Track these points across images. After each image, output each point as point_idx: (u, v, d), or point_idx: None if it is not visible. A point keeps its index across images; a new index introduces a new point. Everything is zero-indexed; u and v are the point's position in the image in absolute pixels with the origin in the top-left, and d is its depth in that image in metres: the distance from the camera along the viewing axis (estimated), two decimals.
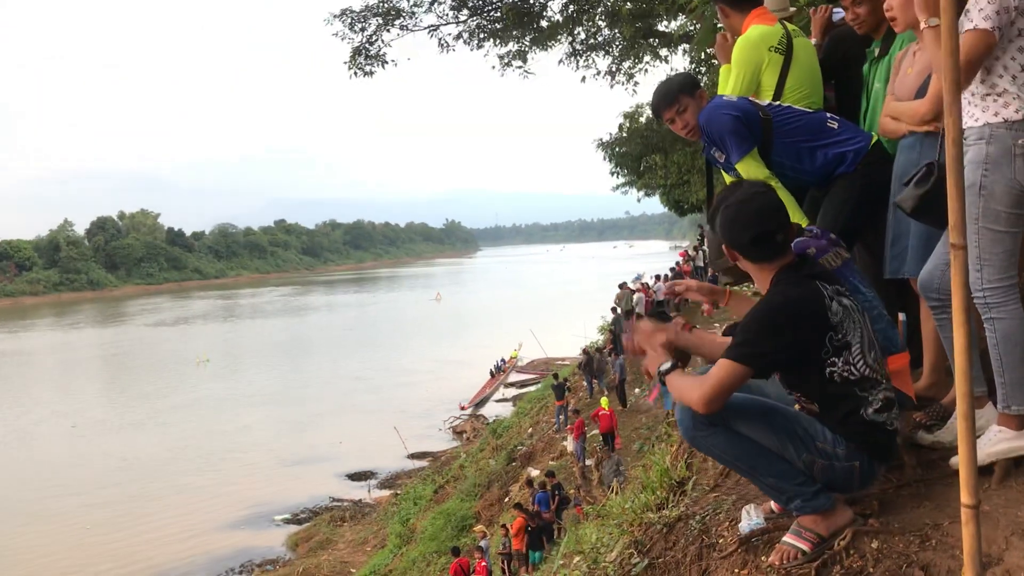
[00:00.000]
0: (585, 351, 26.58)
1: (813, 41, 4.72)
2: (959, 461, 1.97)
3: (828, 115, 3.64)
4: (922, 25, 2.64)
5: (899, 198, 2.89)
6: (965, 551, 1.97)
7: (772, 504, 2.93)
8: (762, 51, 3.92)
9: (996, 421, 2.74)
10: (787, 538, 2.66)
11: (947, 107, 1.91)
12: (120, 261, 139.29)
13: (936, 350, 3.38)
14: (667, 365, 2.66)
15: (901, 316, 3.28)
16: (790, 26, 4.10)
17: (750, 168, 3.55)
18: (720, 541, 3.04)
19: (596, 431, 20.10)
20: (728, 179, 3.91)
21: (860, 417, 2.54)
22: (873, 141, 3.54)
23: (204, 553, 23.84)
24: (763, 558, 2.73)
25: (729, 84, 4.03)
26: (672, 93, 3.79)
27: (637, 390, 22.35)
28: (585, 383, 25.88)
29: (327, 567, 21.61)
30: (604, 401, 20.56)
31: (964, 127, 2.67)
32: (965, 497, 1.93)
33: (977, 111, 2.67)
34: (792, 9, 4.75)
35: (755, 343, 2.49)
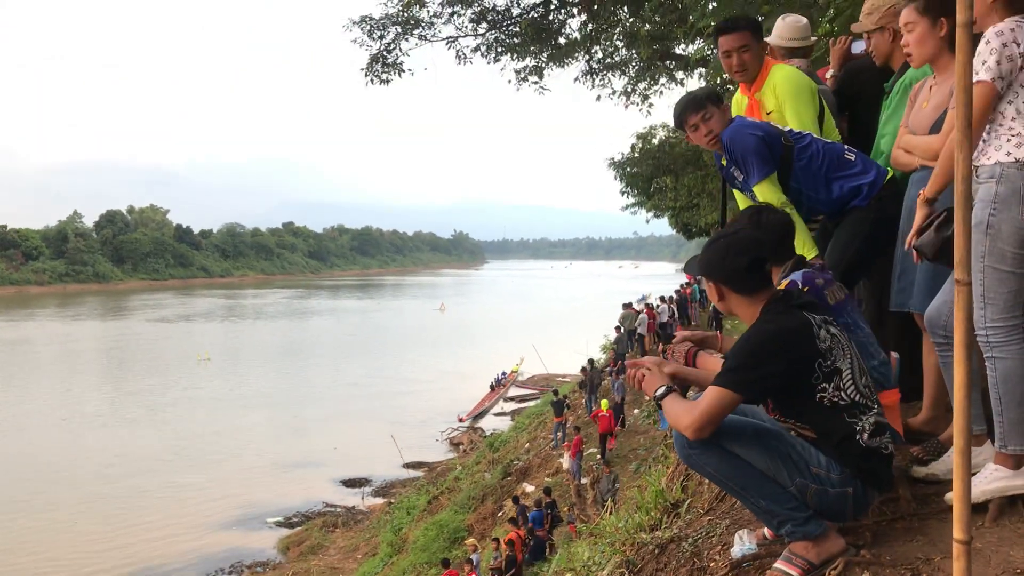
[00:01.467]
0: (583, 369, 26.54)
1: (830, 72, 4.76)
2: (953, 497, 1.97)
3: (846, 147, 3.66)
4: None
5: (919, 242, 2.90)
6: None
7: (765, 530, 2.93)
8: (814, 86, 3.94)
9: (993, 459, 2.74)
10: (778, 564, 2.66)
11: (957, 144, 1.93)
12: (127, 255, 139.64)
13: (936, 385, 3.39)
14: (662, 390, 2.68)
15: (894, 354, 3.29)
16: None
17: (767, 192, 3.56)
18: (711, 565, 3.04)
19: (593, 449, 20.08)
20: (743, 201, 3.93)
21: (856, 443, 2.56)
22: (888, 176, 3.56)
23: (194, 552, 23.76)
24: None
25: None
26: (700, 100, 3.80)
27: (636, 411, 22.32)
28: (584, 401, 25.83)
29: (317, 572, 21.54)
30: (604, 403, 20.71)
31: (976, 164, 2.69)
32: (958, 533, 1.93)
33: (990, 149, 2.69)
34: (813, 39, 4.79)
35: (745, 370, 2.52)
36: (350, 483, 30.25)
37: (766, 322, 2.59)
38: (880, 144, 3.84)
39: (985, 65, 2.62)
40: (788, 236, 2.74)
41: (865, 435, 2.56)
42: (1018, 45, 2.60)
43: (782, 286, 2.76)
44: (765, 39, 4.99)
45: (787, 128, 3.67)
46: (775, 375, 2.54)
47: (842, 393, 2.55)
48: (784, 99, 3.96)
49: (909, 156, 3.34)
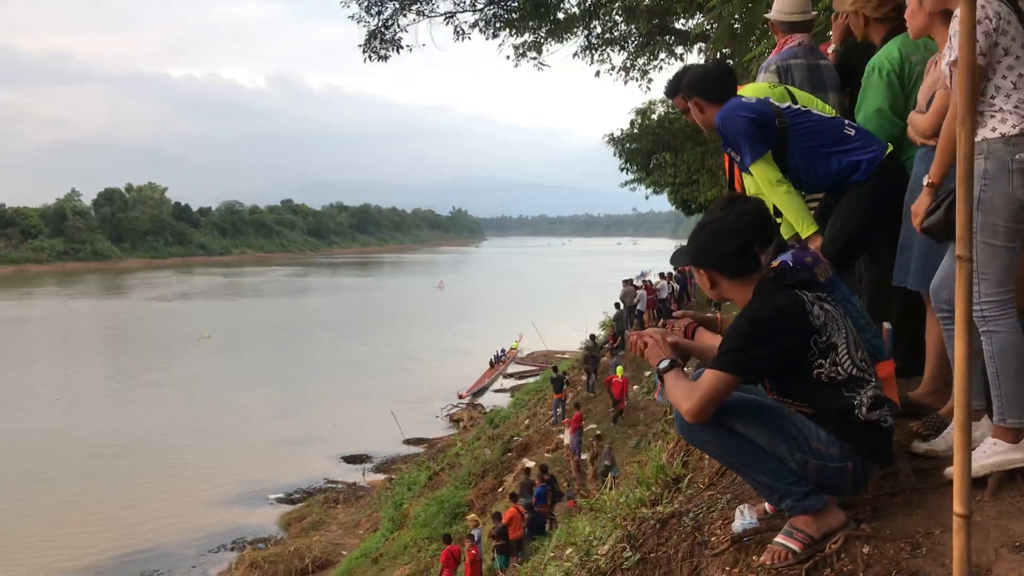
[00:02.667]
0: (586, 347, 26.59)
1: (832, 47, 4.75)
2: (953, 471, 1.99)
3: (846, 122, 3.65)
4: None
5: (927, 224, 2.90)
6: (955, 560, 1.99)
7: (766, 505, 2.95)
8: (766, 91, 3.91)
9: (991, 434, 2.76)
10: (779, 538, 2.68)
11: (960, 120, 1.93)
12: (126, 233, 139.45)
13: (937, 360, 3.40)
14: (665, 363, 2.70)
15: (886, 325, 3.30)
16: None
17: (763, 171, 3.56)
18: (712, 539, 3.06)
19: (593, 425, 20.16)
20: (747, 181, 3.93)
21: (855, 417, 2.58)
22: (888, 151, 3.55)
23: (195, 529, 23.90)
24: (754, 557, 2.75)
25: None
26: (671, 87, 3.81)
27: (635, 387, 22.38)
28: (584, 377, 25.87)
29: (319, 548, 21.66)
30: (619, 370, 20.91)
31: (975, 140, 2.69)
32: (958, 506, 1.95)
33: (982, 128, 2.68)
34: (813, 13, 4.77)
35: (741, 351, 2.55)
36: (351, 459, 30.41)
37: (758, 303, 2.61)
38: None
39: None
40: (766, 218, 2.74)
41: (864, 409, 2.58)
42: (991, 21, 2.59)
43: (773, 266, 2.77)
44: (765, 15, 4.97)
45: (784, 105, 3.65)
46: (771, 354, 2.57)
47: (839, 368, 2.57)
48: None
49: (912, 133, 3.35)
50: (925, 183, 2.90)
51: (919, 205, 2.93)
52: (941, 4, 2.85)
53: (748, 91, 3.96)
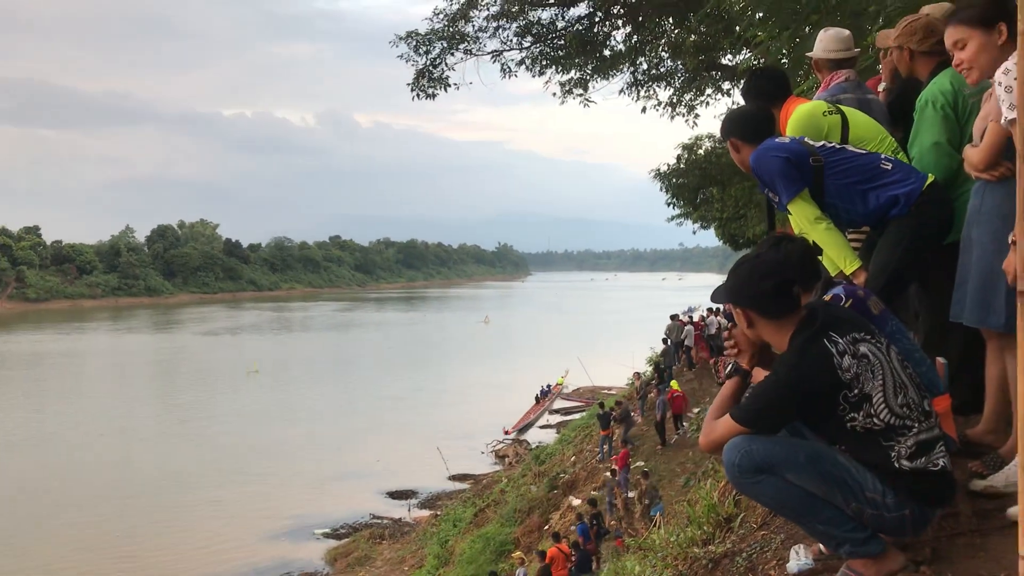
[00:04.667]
0: (618, 402, 25.74)
1: (882, 85, 4.73)
2: (1019, 512, 1.94)
3: (883, 156, 3.63)
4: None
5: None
6: None
7: (821, 545, 2.90)
8: (818, 117, 3.93)
9: None
10: None
11: (1020, 155, 1.90)
12: (177, 269, 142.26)
13: (997, 397, 3.33)
14: (729, 369, 2.80)
15: (941, 360, 3.24)
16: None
17: (801, 209, 3.55)
18: None
19: (640, 462, 19.96)
20: (792, 221, 3.91)
21: (892, 466, 2.51)
22: (928, 182, 3.51)
23: (243, 562, 24.02)
24: None
25: None
26: (723, 130, 3.86)
27: (684, 424, 22.16)
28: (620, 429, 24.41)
29: None
30: (675, 384, 20.72)
31: None
32: (1023, 548, 1.90)
33: None
34: (856, 50, 4.76)
35: (759, 410, 2.58)
36: (396, 495, 30.40)
37: (782, 364, 2.58)
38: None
39: (1011, 105, 2.61)
40: (810, 260, 2.71)
41: (903, 460, 2.51)
42: None
43: (826, 299, 2.74)
44: (807, 54, 4.97)
45: (819, 143, 3.64)
46: (792, 414, 2.60)
47: (874, 419, 2.50)
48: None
49: (968, 166, 3.31)
50: (1011, 241, 2.83)
51: (1010, 264, 2.85)
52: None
53: (804, 110, 3.98)
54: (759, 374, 2.90)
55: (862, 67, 5.44)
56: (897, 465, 2.50)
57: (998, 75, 2.70)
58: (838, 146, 3.66)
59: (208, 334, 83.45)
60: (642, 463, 19.93)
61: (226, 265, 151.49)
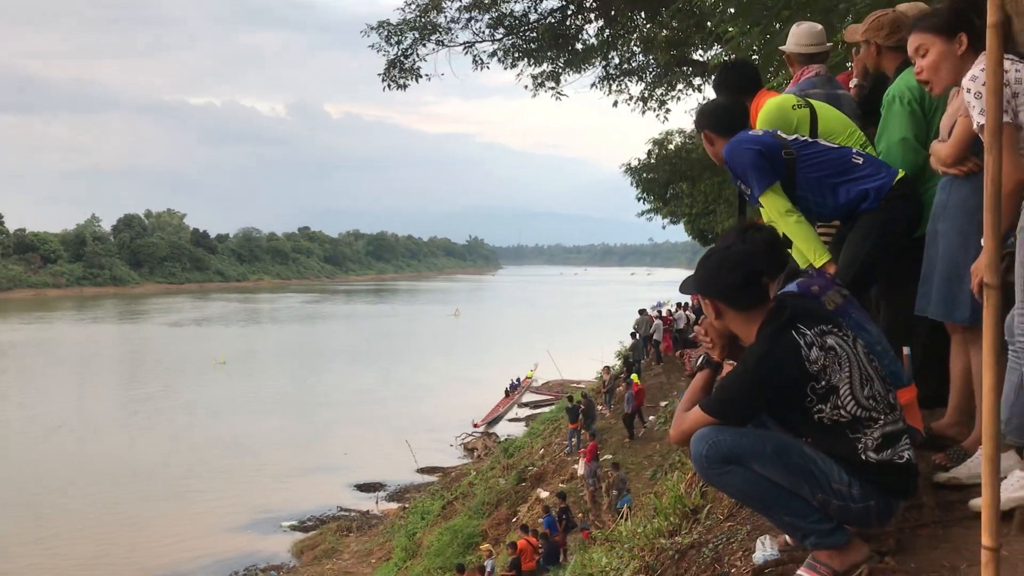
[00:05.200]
0: (584, 395, 25.88)
1: (853, 82, 4.76)
2: (982, 503, 1.95)
3: (854, 151, 3.65)
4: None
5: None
6: None
7: (787, 536, 2.91)
8: (787, 111, 3.95)
9: (1021, 467, 2.71)
10: (801, 571, 2.64)
11: (987, 147, 1.91)
12: (144, 259, 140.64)
13: (961, 391, 3.36)
14: (700, 361, 2.82)
15: (905, 350, 3.27)
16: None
17: (772, 202, 3.57)
18: (732, 571, 3.03)
19: (608, 456, 20.04)
20: (757, 214, 3.93)
21: (858, 458, 2.53)
22: (898, 177, 3.54)
23: (207, 555, 23.82)
24: None
25: None
26: (697, 122, 3.88)
27: (652, 417, 22.27)
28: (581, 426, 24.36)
29: None
30: (635, 377, 21.76)
31: None
32: (986, 539, 1.91)
33: None
34: (828, 45, 4.79)
35: (730, 401, 2.59)
36: (364, 488, 30.30)
37: (753, 354, 2.58)
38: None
39: (981, 111, 2.66)
40: (776, 248, 2.72)
41: (869, 451, 2.53)
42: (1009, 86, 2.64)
43: (776, 296, 2.75)
44: (780, 47, 5.00)
45: (792, 137, 3.66)
46: (760, 406, 2.62)
47: (841, 411, 2.52)
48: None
49: (934, 162, 3.34)
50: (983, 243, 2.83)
51: (979, 267, 2.87)
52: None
53: (774, 103, 4.00)
54: (728, 367, 2.91)
55: (832, 63, 5.47)
56: (863, 457, 2.52)
57: (966, 82, 2.73)
58: (810, 140, 3.68)
59: (175, 325, 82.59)
60: (610, 456, 20.00)
61: (193, 255, 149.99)
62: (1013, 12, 2.70)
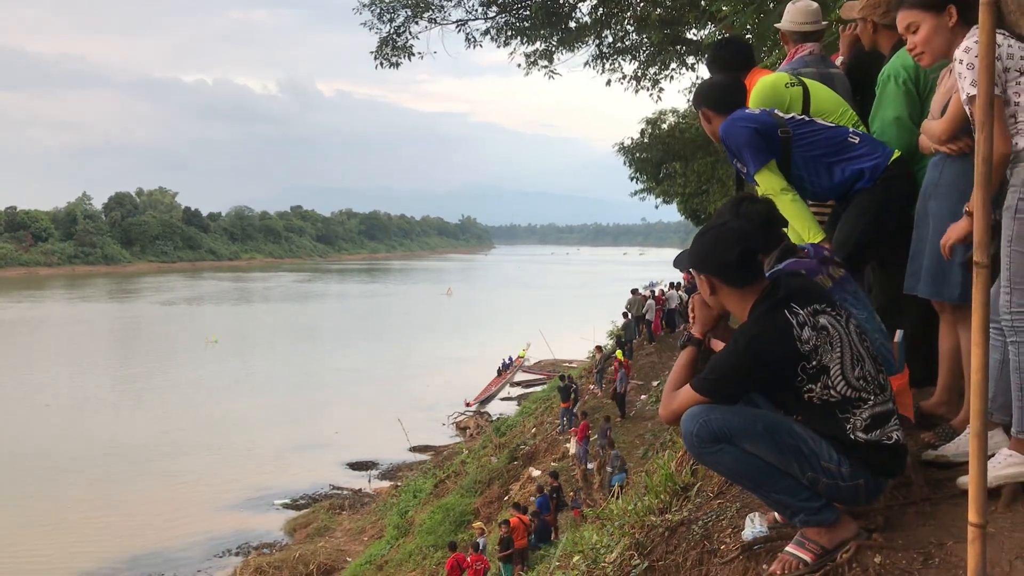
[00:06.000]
0: (563, 376, 26.09)
1: (840, 59, 4.75)
2: (969, 480, 1.97)
3: (851, 130, 3.65)
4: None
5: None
6: (969, 571, 1.97)
7: (776, 514, 2.93)
8: (780, 89, 3.95)
9: (1009, 445, 2.73)
10: (790, 548, 2.66)
11: (979, 125, 1.91)
12: (135, 237, 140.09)
13: (950, 370, 3.38)
14: (683, 339, 2.81)
15: (897, 336, 3.28)
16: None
17: (767, 180, 3.57)
18: (722, 547, 3.05)
19: (596, 436, 20.11)
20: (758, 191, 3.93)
21: (848, 438, 2.54)
22: (894, 157, 3.54)
23: (200, 533, 23.87)
24: (764, 566, 2.73)
25: None
26: (695, 99, 3.88)
27: (643, 396, 22.34)
28: (594, 384, 25.41)
29: (323, 554, 21.61)
30: (619, 353, 22.18)
31: (1016, 150, 2.68)
32: (973, 516, 1.93)
33: (1019, 138, 2.67)
34: (824, 23, 4.77)
35: (719, 380, 2.59)
36: (357, 466, 30.37)
37: (742, 334, 2.59)
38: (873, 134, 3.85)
39: (972, 81, 2.67)
40: (772, 225, 2.72)
41: (858, 431, 2.54)
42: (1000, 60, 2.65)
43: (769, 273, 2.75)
44: (776, 25, 4.99)
45: (789, 116, 3.65)
46: (751, 384, 2.62)
47: (831, 391, 2.53)
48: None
49: (926, 140, 3.33)
50: (965, 210, 2.86)
51: (955, 231, 2.89)
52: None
53: (767, 81, 4.00)
54: (717, 345, 2.92)
55: (826, 42, 5.45)
56: (853, 437, 2.53)
57: (958, 53, 2.73)
58: (807, 119, 3.68)
59: (166, 303, 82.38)
60: (598, 436, 20.06)
61: (185, 234, 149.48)
62: None
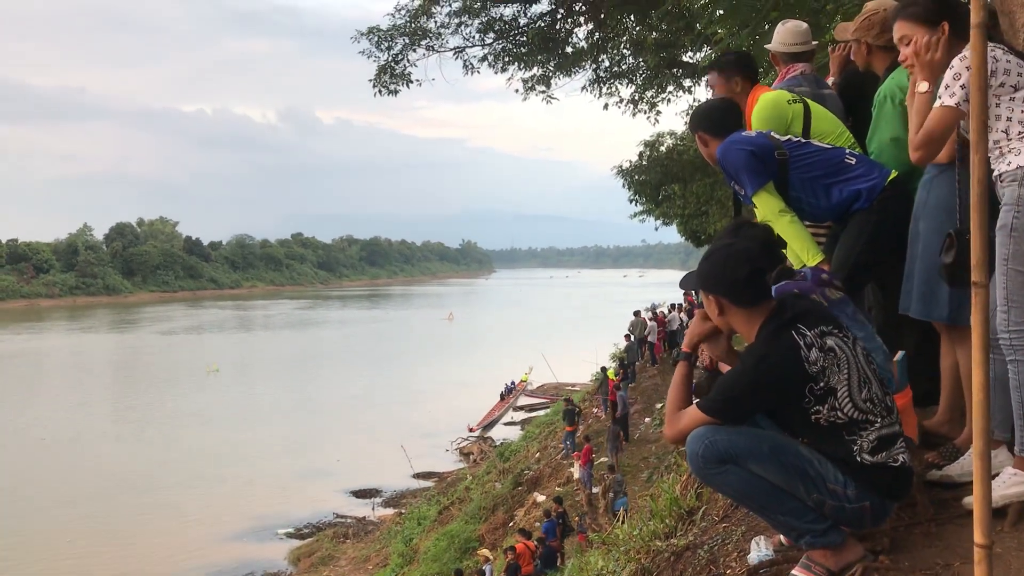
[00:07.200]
0: (568, 400, 26.07)
1: (831, 80, 4.78)
2: (974, 500, 1.96)
3: (847, 151, 3.67)
4: (914, 89, 2.90)
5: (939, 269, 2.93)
6: None
7: (782, 537, 2.92)
8: (783, 106, 3.96)
9: (1013, 464, 2.72)
10: (796, 571, 2.64)
11: (973, 146, 1.92)
12: (137, 267, 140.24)
13: (952, 389, 3.37)
14: (675, 355, 2.74)
15: (897, 355, 3.28)
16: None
17: (765, 202, 3.58)
18: (728, 572, 3.03)
19: (604, 459, 20.05)
20: (757, 213, 3.94)
21: (854, 460, 2.53)
22: (891, 177, 3.56)
23: (204, 563, 23.73)
24: None
25: None
26: (691, 122, 3.89)
27: (648, 419, 22.27)
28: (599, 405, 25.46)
29: None
30: (610, 372, 21.67)
31: (1006, 169, 2.69)
32: (979, 536, 1.92)
33: (1011, 155, 2.68)
34: (814, 43, 4.80)
35: (727, 401, 2.58)
36: (360, 494, 30.24)
37: (754, 354, 2.58)
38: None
39: (949, 91, 2.72)
40: (774, 247, 2.73)
41: (864, 453, 2.53)
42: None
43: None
44: (766, 46, 5.01)
45: (785, 138, 3.67)
46: (759, 405, 2.61)
47: (838, 413, 2.52)
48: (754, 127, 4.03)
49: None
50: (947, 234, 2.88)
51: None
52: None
53: (769, 98, 4.01)
54: (724, 369, 2.92)
55: (819, 64, 5.48)
56: (859, 459, 2.53)
57: (954, 61, 2.74)
58: (803, 140, 3.70)
59: (168, 333, 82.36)
60: (605, 459, 20.00)
61: (186, 263, 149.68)
62: (999, 9, 2.72)
